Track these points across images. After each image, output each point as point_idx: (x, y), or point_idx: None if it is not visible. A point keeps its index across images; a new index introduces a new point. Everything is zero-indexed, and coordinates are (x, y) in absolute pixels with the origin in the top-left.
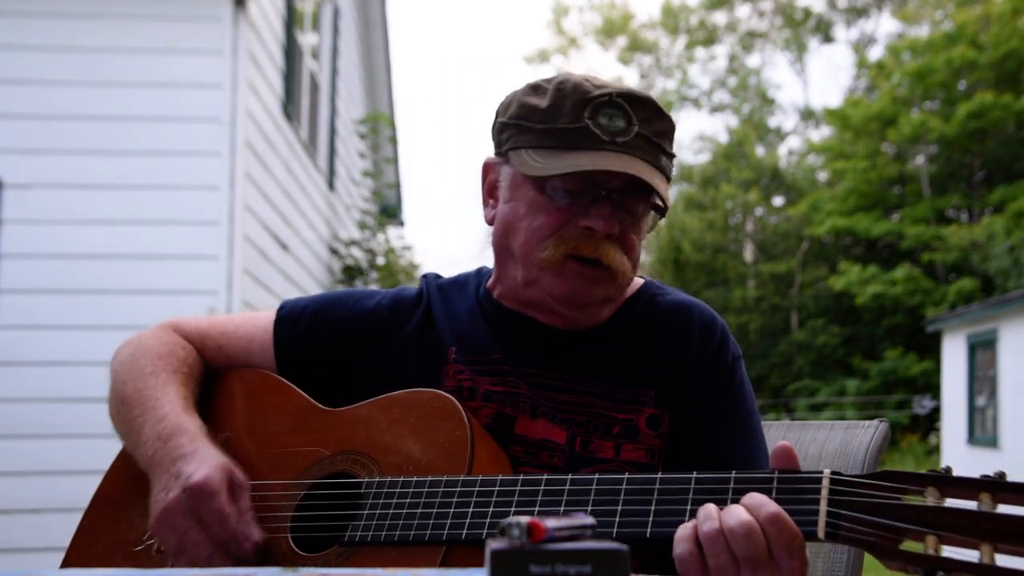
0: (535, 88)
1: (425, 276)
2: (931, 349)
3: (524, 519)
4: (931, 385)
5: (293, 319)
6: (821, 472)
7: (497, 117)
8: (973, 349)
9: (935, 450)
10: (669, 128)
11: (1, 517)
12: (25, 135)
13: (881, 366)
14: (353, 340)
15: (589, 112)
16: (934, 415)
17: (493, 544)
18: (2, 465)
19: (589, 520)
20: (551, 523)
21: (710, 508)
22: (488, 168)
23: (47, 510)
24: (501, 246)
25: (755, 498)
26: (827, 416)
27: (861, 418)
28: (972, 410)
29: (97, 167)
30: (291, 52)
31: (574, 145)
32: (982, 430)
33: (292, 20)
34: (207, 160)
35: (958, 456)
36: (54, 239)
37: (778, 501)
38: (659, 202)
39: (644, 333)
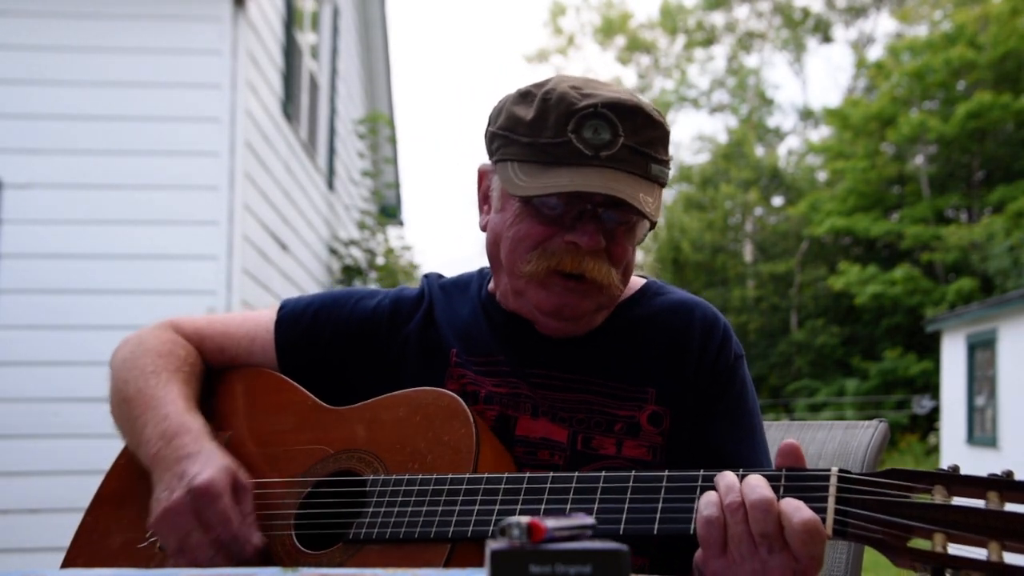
0: (524, 96)
1: (427, 276)
2: (930, 349)
3: (524, 519)
4: (930, 385)
5: (294, 319)
6: (828, 470)
7: (488, 125)
8: (972, 349)
9: (934, 450)
10: (660, 135)
11: (1, 517)
12: (25, 135)
13: (880, 366)
14: (354, 341)
15: (573, 126)
16: (933, 415)
17: (493, 544)
18: (2, 465)
19: (589, 520)
20: (551, 523)
21: (729, 478)
22: (482, 175)
23: (47, 510)
24: (492, 255)
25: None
26: (826, 416)
27: (860, 418)
28: (971, 410)
29: (97, 167)
30: (291, 52)
31: (557, 161)
32: (981, 430)
33: (292, 20)
34: (207, 160)
35: (957, 456)
36: (54, 239)
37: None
38: (647, 212)
39: (645, 333)
